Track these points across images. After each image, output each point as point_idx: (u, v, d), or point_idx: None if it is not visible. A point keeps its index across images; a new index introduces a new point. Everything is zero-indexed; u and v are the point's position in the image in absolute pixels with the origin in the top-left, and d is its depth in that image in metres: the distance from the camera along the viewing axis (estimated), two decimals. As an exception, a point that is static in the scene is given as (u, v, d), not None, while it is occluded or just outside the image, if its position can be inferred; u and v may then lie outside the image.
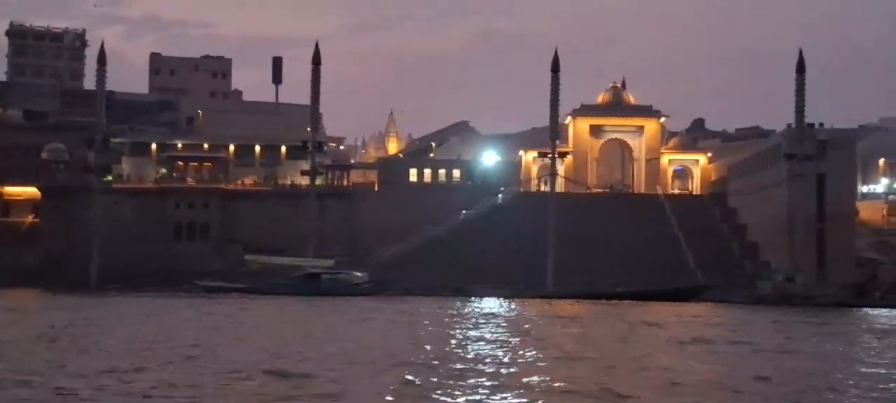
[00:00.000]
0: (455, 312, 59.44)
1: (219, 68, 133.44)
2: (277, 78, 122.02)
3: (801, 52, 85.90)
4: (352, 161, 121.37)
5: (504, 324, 51.08)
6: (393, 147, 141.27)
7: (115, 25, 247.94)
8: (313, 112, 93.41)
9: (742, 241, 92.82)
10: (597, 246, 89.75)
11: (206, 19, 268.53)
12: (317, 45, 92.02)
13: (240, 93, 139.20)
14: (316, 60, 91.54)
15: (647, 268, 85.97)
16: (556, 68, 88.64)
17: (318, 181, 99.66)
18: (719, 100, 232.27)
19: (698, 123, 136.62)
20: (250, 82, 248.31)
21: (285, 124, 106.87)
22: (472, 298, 75.62)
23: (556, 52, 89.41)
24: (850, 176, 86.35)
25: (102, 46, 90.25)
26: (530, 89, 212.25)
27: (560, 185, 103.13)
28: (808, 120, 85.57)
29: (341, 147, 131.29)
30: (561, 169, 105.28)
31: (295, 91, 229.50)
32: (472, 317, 55.28)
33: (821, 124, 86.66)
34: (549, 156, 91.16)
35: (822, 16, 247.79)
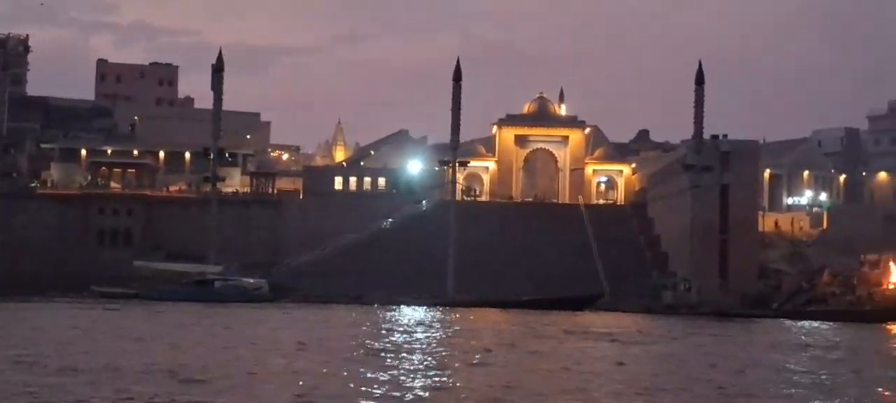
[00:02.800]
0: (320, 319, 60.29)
1: (165, 75, 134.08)
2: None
3: (700, 64, 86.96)
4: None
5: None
6: (340, 155, 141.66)
7: (105, 33, 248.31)
8: (215, 118, 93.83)
9: (655, 251, 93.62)
10: (511, 255, 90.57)
11: (195, 27, 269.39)
12: (220, 52, 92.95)
13: (192, 100, 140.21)
14: (218, 67, 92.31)
15: (557, 277, 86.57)
16: (458, 77, 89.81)
17: (246, 188, 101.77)
18: (681, 112, 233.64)
19: (643, 134, 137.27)
20: (230, 88, 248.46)
21: (224, 131, 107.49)
22: (374, 306, 76.42)
23: (458, 62, 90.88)
24: (753, 187, 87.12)
25: (4, 52, 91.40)
26: (483, 99, 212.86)
27: (485, 195, 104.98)
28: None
29: (285, 156, 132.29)
30: (486, 178, 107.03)
31: (280, 99, 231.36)
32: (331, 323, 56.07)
33: (725, 135, 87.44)
34: (450, 164, 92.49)
35: (766, 29, 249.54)
